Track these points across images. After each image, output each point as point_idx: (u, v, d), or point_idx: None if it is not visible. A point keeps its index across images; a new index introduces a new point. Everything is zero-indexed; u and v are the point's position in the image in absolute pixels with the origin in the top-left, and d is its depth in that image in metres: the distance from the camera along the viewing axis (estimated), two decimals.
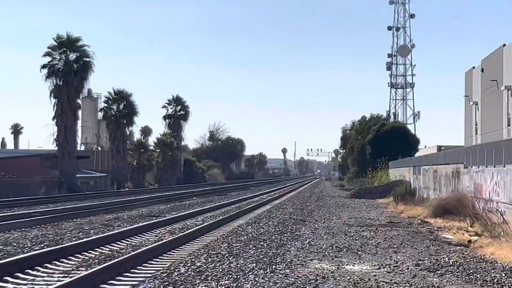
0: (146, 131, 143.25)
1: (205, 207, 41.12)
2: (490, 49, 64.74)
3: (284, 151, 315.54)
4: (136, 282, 14.04)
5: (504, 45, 58.54)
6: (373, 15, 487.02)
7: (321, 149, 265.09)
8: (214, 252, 18.98)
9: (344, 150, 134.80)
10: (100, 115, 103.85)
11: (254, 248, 20.22)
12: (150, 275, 15.06)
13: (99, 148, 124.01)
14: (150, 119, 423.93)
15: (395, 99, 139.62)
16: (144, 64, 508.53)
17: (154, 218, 32.92)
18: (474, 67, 70.35)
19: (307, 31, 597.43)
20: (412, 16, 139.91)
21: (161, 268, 16.05)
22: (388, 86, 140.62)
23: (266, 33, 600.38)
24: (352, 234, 25.23)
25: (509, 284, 14.02)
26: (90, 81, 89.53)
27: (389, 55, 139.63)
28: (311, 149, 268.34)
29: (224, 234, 24.55)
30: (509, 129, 55.94)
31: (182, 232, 24.51)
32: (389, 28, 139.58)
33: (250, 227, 27.61)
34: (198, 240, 22.86)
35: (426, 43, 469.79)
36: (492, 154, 30.10)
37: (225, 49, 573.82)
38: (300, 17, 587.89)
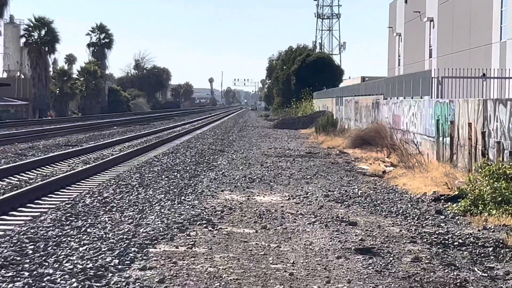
0: (70, 59, 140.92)
1: (124, 137, 40.61)
2: None
3: (211, 80, 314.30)
4: (38, 214, 13.65)
5: None
6: None
7: (248, 79, 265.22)
8: (124, 183, 18.64)
9: (270, 81, 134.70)
10: (22, 42, 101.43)
11: (166, 179, 19.93)
12: (54, 206, 14.67)
13: (22, 76, 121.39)
14: (76, 47, 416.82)
15: (322, 30, 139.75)
16: None
17: (70, 147, 32.30)
18: None
19: None
20: None
21: (67, 199, 15.68)
22: (315, 16, 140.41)
23: None
24: (269, 164, 25.13)
25: (414, 215, 14.06)
26: (12, 7, 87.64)
27: None
28: (238, 79, 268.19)
29: (138, 165, 24.19)
30: (431, 61, 56.37)
31: (96, 162, 24.04)
32: None
33: (166, 157, 27.26)
34: (110, 171, 22.47)
35: None
36: (410, 86, 30.25)
37: None
38: None
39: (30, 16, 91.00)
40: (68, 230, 11.85)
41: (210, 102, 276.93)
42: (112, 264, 9.61)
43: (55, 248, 10.45)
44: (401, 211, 14.62)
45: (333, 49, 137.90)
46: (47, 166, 23.40)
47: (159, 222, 12.75)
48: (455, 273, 9.54)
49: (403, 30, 67.66)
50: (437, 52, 55.15)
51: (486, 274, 9.53)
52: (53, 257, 9.85)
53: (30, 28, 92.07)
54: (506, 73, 32.81)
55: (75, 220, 12.88)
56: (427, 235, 12.01)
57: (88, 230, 11.95)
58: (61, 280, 8.73)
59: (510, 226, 12.33)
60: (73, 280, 8.73)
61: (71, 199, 15.70)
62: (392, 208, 14.98)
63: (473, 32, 46.36)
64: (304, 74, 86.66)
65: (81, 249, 10.40)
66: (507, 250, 10.92)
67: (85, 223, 12.59)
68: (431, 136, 25.10)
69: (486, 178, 14.45)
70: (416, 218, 13.71)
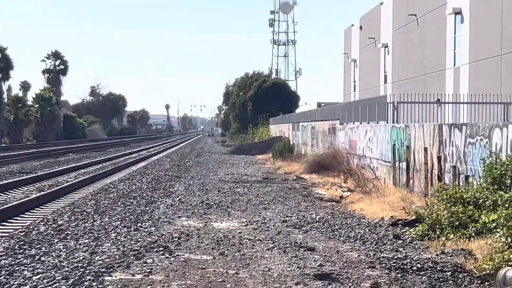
0: (25, 86, 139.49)
1: (80, 164, 40.17)
2: (369, 7, 65.45)
3: (167, 107, 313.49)
4: None
5: (382, 3, 59.19)
6: None
7: (204, 106, 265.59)
8: (79, 210, 18.39)
9: (226, 107, 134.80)
10: None
11: (122, 205, 19.72)
12: (7, 234, 14.38)
13: None
14: (31, 74, 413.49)
15: (278, 56, 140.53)
16: (24, 17, 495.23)
17: (24, 174, 31.86)
18: (353, 25, 70.98)
19: None
20: None
21: (20, 227, 15.40)
22: (271, 43, 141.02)
23: None
24: (226, 190, 25.00)
25: (372, 240, 14.02)
26: None
27: (272, 12, 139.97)
28: (195, 106, 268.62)
29: (93, 192, 23.91)
30: (386, 86, 56.81)
31: (51, 189, 23.71)
32: None
33: (122, 184, 27.03)
34: (65, 198, 22.18)
35: (308, 0, 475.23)
36: (366, 111, 30.39)
37: (109, 4, 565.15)
38: None
39: None
40: (22, 259, 11.61)
41: (166, 128, 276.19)
42: None
43: (8, 277, 10.22)
44: (359, 236, 14.57)
45: (289, 75, 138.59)
46: (0, 194, 23.01)
47: (115, 250, 12.56)
48: None
49: (358, 56, 68.20)
50: (392, 77, 55.63)
51: None
52: (5, 287, 9.62)
53: None
54: (460, 98, 33.14)
55: (29, 248, 12.63)
56: (385, 260, 11.96)
57: (42, 258, 11.72)
58: None
59: (468, 250, 12.33)
60: None
61: (25, 227, 15.42)
62: (350, 233, 14.93)
63: (427, 58, 46.85)
64: (261, 100, 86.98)
65: (34, 278, 10.18)
66: (465, 274, 10.92)
67: (39, 251, 12.35)
68: (387, 161, 25.19)
69: (444, 203, 14.48)
70: (374, 243, 13.67)
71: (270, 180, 30.53)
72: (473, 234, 13.03)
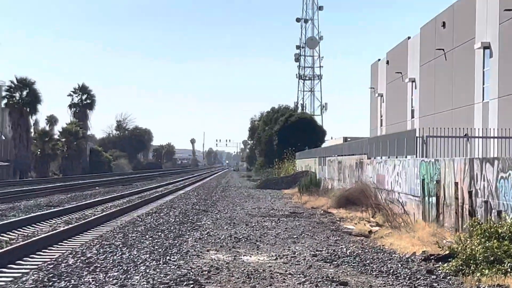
0: (52, 120, 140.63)
1: (106, 197, 40.22)
2: (395, 42, 65.36)
3: (192, 141, 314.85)
4: (19, 274, 13.28)
5: (409, 37, 59.09)
6: (282, 6, 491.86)
7: (230, 140, 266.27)
8: (108, 243, 18.30)
9: (252, 141, 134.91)
10: (3, 103, 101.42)
11: (150, 238, 19.62)
12: (35, 266, 14.30)
13: (3, 137, 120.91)
14: (57, 108, 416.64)
15: (303, 91, 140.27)
16: (51, 51, 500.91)
17: (52, 208, 31.91)
18: (379, 59, 70.89)
19: (218, 22, 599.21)
20: (320, 8, 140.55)
21: (49, 260, 15.32)
22: (297, 77, 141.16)
23: (174, 22, 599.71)
24: (254, 224, 24.86)
25: (405, 275, 13.79)
26: None
27: (298, 47, 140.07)
28: (220, 140, 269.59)
29: (121, 225, 23.86)
30: (413, 121, 56.56)
31: (78, 222, 23.68)
32: (298, 20, 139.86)
33: (150, 217, 26.96)
34: (93, 231, 22.13)
35: (334, 35, 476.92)
36: (394, 145, 30.18)
37: (133, 37, 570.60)
38: (209, 7, 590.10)
39: (12, 77, 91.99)
40: None
41: (191, 163, 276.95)
42: None
43: None
44: (391, 270, 14.33)
45: (314, 110, 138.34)
46: (28, 227, 23.02)
47: (145, 283, 12.43)
48: None
49: (385, 91, 68.01)
50: (419, 112, 55.36)
51: None
52: None
53: (12, 89, 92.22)
54: (489, 133, 32.89)
55: (58, 281, 12.54)
56: None
57: None
58: None
59: (504, 286, 12.08)
60: None
61: (54, 259, 15.34)
62: (382, 268, 14.70)
63: (455, 93, 46.61)
64: (287, 134, 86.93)
65: None
66: None
67: (68, 284, 12.25)
68: (416, 196, 24.93)
69: (478, 237, 14.24)
70: (407, 278, 13.44)
71: (297, 214, 30.36)
72: (509, 269, 12.78)
